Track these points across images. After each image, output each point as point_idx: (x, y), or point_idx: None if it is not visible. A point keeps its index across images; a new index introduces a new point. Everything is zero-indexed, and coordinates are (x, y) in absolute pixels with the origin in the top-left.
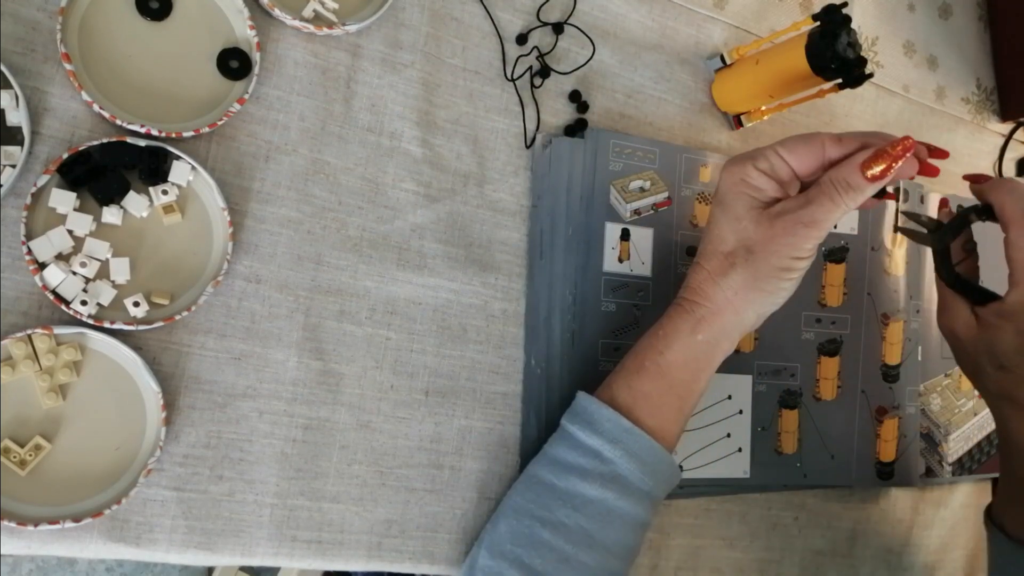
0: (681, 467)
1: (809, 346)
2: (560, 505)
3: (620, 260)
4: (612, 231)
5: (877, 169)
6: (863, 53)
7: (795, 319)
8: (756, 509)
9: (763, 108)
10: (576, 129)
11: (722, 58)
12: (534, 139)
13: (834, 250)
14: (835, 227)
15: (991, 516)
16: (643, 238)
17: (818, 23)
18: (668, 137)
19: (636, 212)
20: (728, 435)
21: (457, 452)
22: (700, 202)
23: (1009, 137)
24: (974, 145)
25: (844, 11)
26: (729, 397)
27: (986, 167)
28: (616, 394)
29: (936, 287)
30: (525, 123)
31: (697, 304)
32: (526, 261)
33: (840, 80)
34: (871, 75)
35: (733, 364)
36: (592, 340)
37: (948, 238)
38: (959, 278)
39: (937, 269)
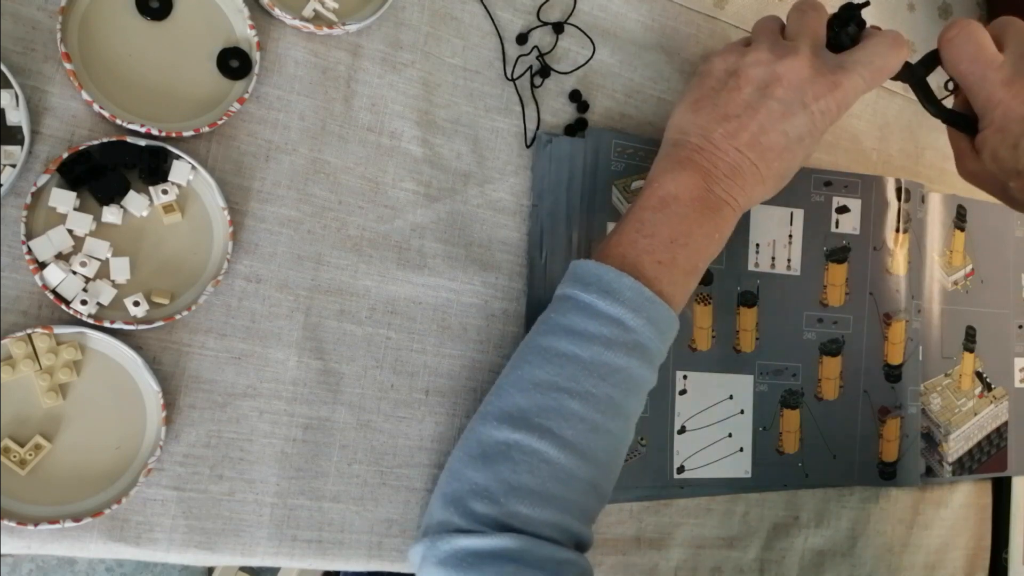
0: (683, 467)
1: (811, 346)
2: (587, 375)
3: None
4: None
5: None
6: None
7: (796, 319)
8: (756, 509)
9: None
10: (576, 128)
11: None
12: (534, 138)
13: (836, 250)
14: (836, 227)
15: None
16: None
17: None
18: None
19: None
20: (729, 435)
21: None
22: None
23: None
24: None
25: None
26: (730, 397)
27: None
28: (668, 290)
29: (950, 141)
30: (525, 123)
31: (743, 209)
32: (526, 261)
33: None
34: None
35: (734, 364)
36: None
37: (920, 71)
38: (945, 109)
39: (925, 106)
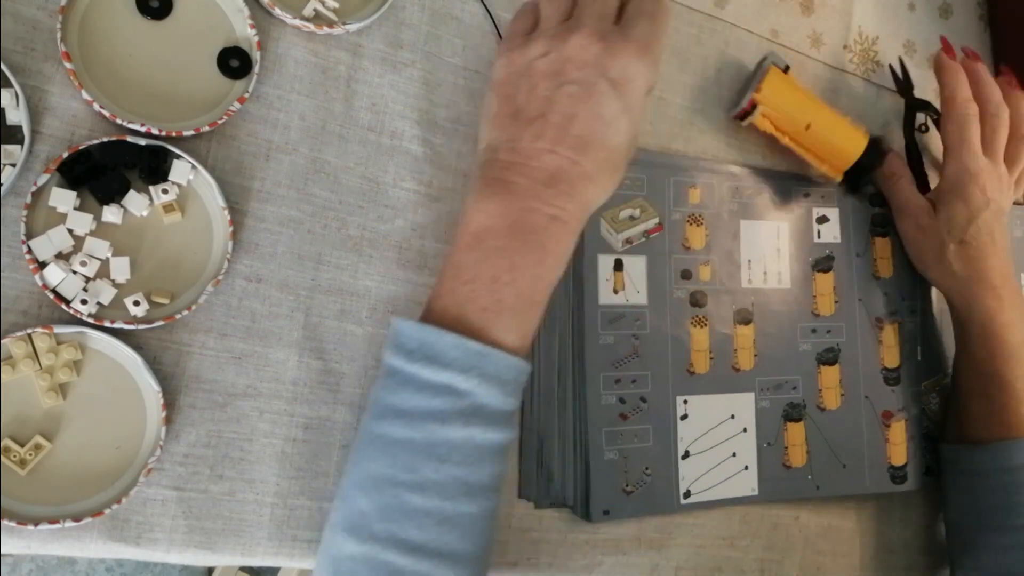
0: (689, 492)
1: (807, 357)
2: (424, 461)
3: (615, 291)
4: (605, 263)
5: None
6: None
7: (791, 331)
8: (756, 509)
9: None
10: None
11: (746, 113)
12: None
13: (820, 260)
14: (819, 237)
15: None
16: (636, 266)
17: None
18: (668, 138)
19: (628, 241)
20: (734, 454)
21: None
22: (691, 224)
23: None
24: None
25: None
26: (732, 417)
27: None
28: (501, 336)
29: (892, 199)
30: None
31: (581, 221)
32: None
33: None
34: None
35: (734, 383)
36: (593, 375)
37: (918, 101)
38: (915, 145)
39: (905, 130)
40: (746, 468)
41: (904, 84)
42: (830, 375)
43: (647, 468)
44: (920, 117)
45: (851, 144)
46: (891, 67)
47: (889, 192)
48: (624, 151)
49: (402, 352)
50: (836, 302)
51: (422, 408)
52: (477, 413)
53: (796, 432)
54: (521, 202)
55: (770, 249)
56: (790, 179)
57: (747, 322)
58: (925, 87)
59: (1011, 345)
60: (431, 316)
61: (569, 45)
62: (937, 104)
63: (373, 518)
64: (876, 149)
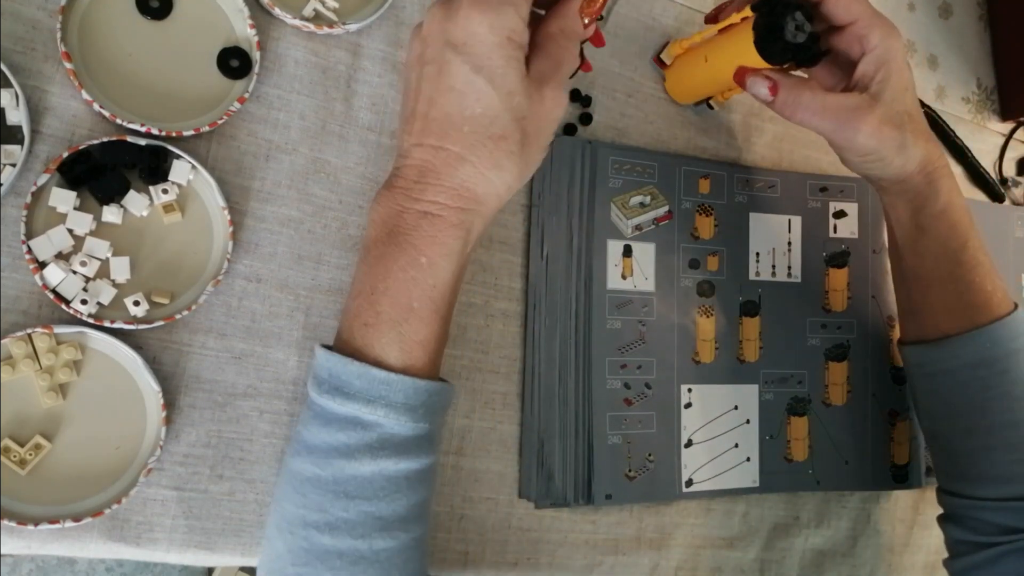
0: (691, 481)
1: (816, 352)
2: (333, 499)
3: (623, 277)
4: (614, 248)
5: (590, 11)
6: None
7: (800, 326)
8: (756, 509)
9: (726, 92)
10: (582, 122)
11: (661, 60)
12: None
13: (835, 255)
14: (835, 232)
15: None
16: (645, 253)
17: (758, 12)
18: (669, 137)
19: (637, 228)
20: (736, 445)
21: (457, 452)
22: (700, 214)
23: (1009, 137)
24: (974, 144)
25: None
26: (736, 407)
27: (986, 166)
28: (383, 353)
29: (815, 115)
30: None
31: (466, 211)
32: (526, 261)
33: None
34: (827, 52)
35: (738, 375)
36: (599, 358)
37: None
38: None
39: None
40: (748, 460)
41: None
42: (838, 371)
43: (650, 454)
44: None
45: (743, 37)
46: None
47: (800, 120)
48: (498, 115)
49: (315, 382)
50: (849, 298)
51: (328, 443)
52: (385, 444)
53: (799, 426)
54: (397, 204)
55: (780, 242)
56: (804, 176)
57: (753, 314)
58: (925, 87)
59: (969, 218)
60: (336, 338)
61: (424, 28)
62: None
63: (287, 561)
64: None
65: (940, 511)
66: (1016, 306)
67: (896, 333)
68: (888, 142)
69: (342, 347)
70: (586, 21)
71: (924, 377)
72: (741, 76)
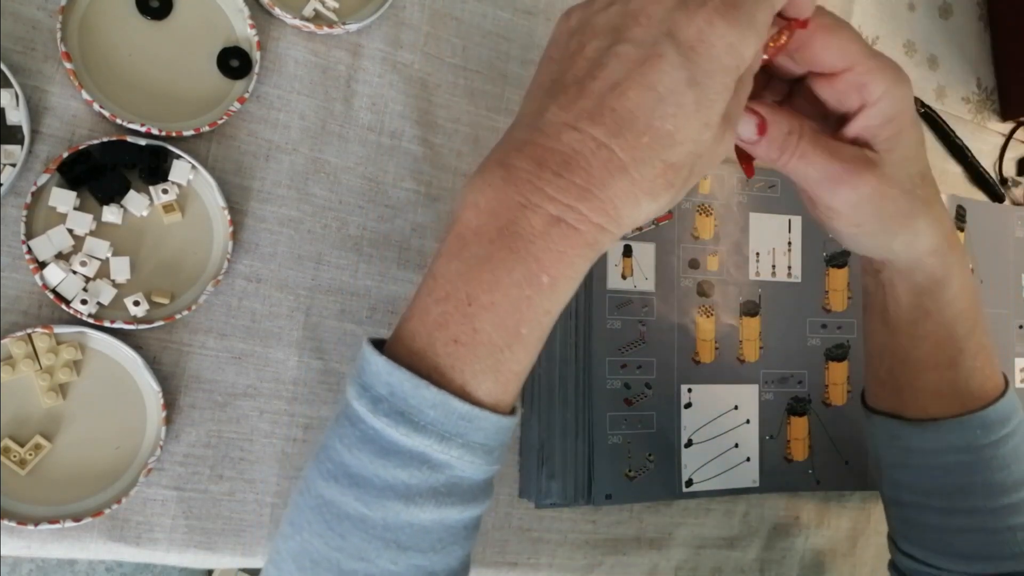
0: (691, 480)
1: (816, 352)
2: (381, 548)
3: (623, 277)
4: (614, 248)
5: (774, 46)
6: None
7: (800, 326)
8: (756, 509)
9: None
10: None
11: None
12: None
13: (835, 255)
14: None
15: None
16: (645, 253)
17: None
18: None
19: (637, 228)
20: (736, 445)
21: None
22: (700, 214)
23: (1009, 137)
24: (974, 145)
25: None
26: (735, 407)
27: (986, 166)
28: (473, 382)
29: (806, 171)
30: None
31: (605, 232)
32: None
33: None
34: None
35: (738, 374)
36: (599, 358)
37: None
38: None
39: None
40: (748, 460)
41: None
42: (838, 371)
43: (650, 454)
44: None
45: None
46: None
47: (789, 167)
48: (684, 143)
49: (367, 396)
50: (849, 298)
51: (383, 479)
52: (454, 490)
53: (799, 426)
54: (519, 194)
55: (780, 242)
56: None
57: (753, 314)
58: (925, 87)
59: (979, 297)
60: (399, 343)
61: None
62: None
63: None
64: None
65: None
66: (1007, 382)
67: None
68: (892, 211)
69: (412, 360)
70: (765, 57)
71: (898, 451)
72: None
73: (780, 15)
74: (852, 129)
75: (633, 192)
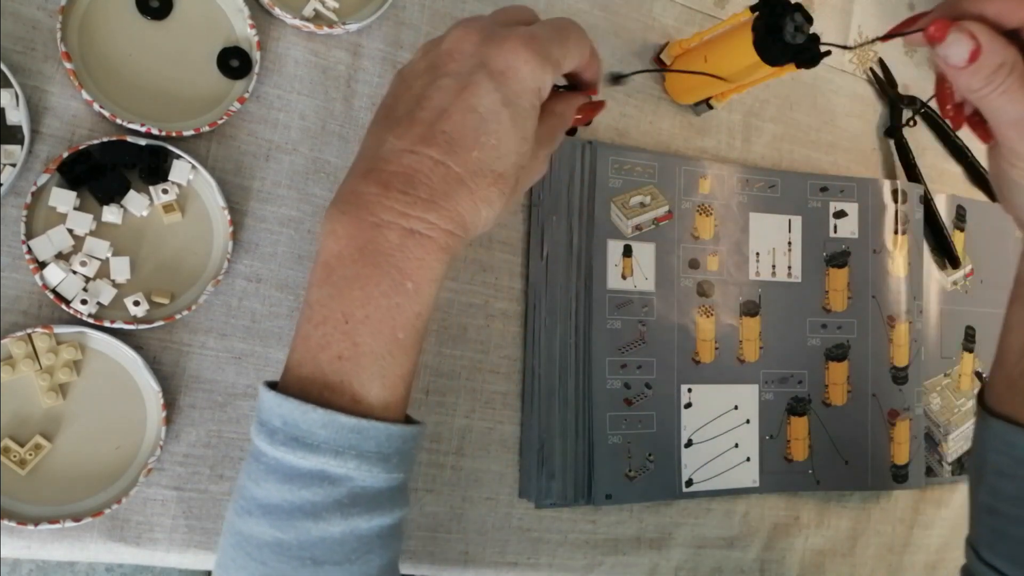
0: (691, 480)
1: (816, 352)
2: (299, 566)
3: (623, 277)
4: (614, 248)
5: (580, 114)
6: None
7: (800, 326)
8: (756, 509)
9: (725, 91)
10: (576, 128)
11: (660, 60)
12: None
13: (836, 255)
14: (835, 232)
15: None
16: (645, 253)
17: (758, 13)
18: (669, 137)
19: (637, 228)
20: (736, 445)
21: (457, 452)
22: (700, 214)
23: None
24: (974, 144)
25: None
26: (735, 407)
27: (986, 166)
28: (362, 391)
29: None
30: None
31: (454, 237)
32: (526, 261)
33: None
34: (828, 53)
35: (738, 374)
36: (599, 358)
37: (902, 98)
38: (904, 141)
39: (891, 126)
40: (748, 459)
41: (886, 82)
42: (838, 371)
43: (650, 454)
44: (906, 113)
45: (742, 37)
46: (871, 70)
47: (990, 100)
48: (508, 155)
49: (264, 431)
50: (849, 298)
51: (290, 502)
52: (357, 500)
53: (799, 426)
54: (371, 215)
55: (780, 242)
56: (804, 176)
57: (753, 314)
58: (925, 86)
59: None
60: (288, 375)
61: (447, 39)
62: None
63: None
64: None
65: (941, 511)
66: None
67: (896, 334)
68: None
69: (303, 385)
70: (578, 116)
71: (1010, 460)
72: (942, 31)
73: (577, 85)
74: None
75: (472, 200)
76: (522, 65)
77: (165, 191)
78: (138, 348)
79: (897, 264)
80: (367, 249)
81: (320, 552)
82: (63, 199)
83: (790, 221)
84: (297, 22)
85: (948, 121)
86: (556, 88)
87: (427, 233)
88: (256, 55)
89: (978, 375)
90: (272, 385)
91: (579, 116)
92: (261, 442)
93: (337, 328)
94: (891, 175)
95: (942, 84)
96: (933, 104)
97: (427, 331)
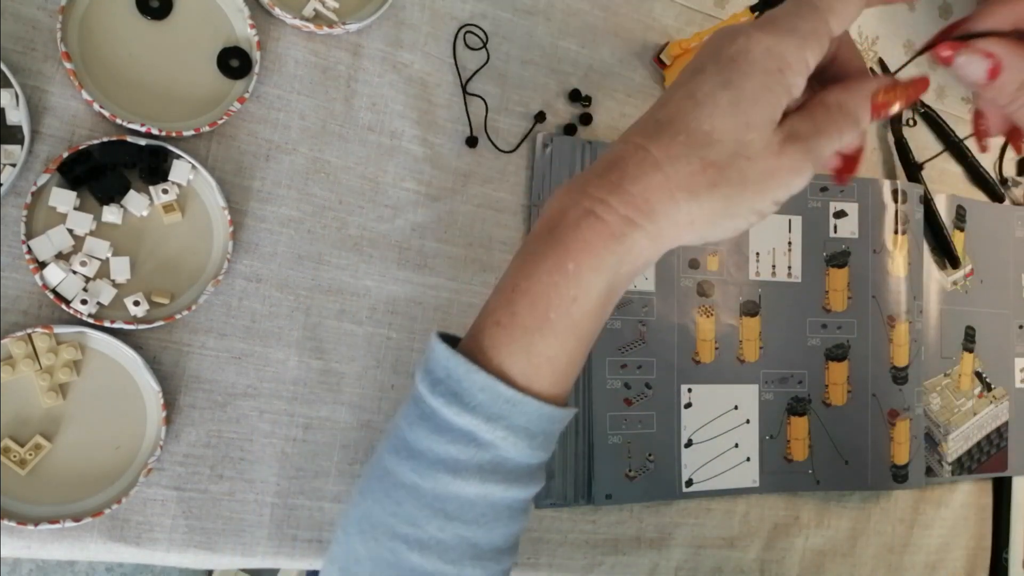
0: (691, 480)
1: (816, 352)
2: (430, 516)
3: None
4: None
5: (886, 103)
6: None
7: (800, 326)
8: (756, 509)
9: None
10: (582, 123)
11: (660, 60)
12: (535, 138)
13: (836, 255)
14: (835, 232)
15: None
16: None
17: (758, 14)
18: None
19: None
20: (736, 445)
21: None
22: None
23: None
24: (974, 144)
25: None
26: (736, 407)
27: (986, 166)
28: (508, 362)
29: None
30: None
31: (633, 224)
32: None
33: None
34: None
35: (738, 374)
36: (599, 358)
37: None
38: (903, 140)
39: (892, 125)
40: (748, 459)
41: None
42: (838, 371)
43: (650, 454)
44: (906, 113)
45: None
46: (871, 70)
47: (1020, 114)
48: (722, 141)
49: (429, 378)
50: (849, 298)
51: (436, 453)
52: (498, 469)
53: (799, 426)
54: (569, 198)
55: (780, 242)
56: None
57: (753, 314)
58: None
59: None
60: (468, 334)
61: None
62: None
63: (367, 569)
64: None
65: (941, 511)
66: None
67: (896, 334)
68: None
69: (469, 344)
70: (876, 111)
71: None
72: (949, 53)
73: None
74: None
75: (667, 187)
76: (753, 46)
77: (165, 191)
78: (138, 348)
79: (897, 264)
80: (551, 225)
81: (452, 508)
82: (63, 199)
83: (790, 221)
84: (297, 22)
85: (976, 137)
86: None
87: (601, 215)
88: (256, 55)
89: (978, 375)
90: (443, 337)
91: (876, 112)
92: (423, 388)
93: (504, 295)
94: (891, 175)
95: (977, 121)
96: (935, 105)
97: (597, 328)
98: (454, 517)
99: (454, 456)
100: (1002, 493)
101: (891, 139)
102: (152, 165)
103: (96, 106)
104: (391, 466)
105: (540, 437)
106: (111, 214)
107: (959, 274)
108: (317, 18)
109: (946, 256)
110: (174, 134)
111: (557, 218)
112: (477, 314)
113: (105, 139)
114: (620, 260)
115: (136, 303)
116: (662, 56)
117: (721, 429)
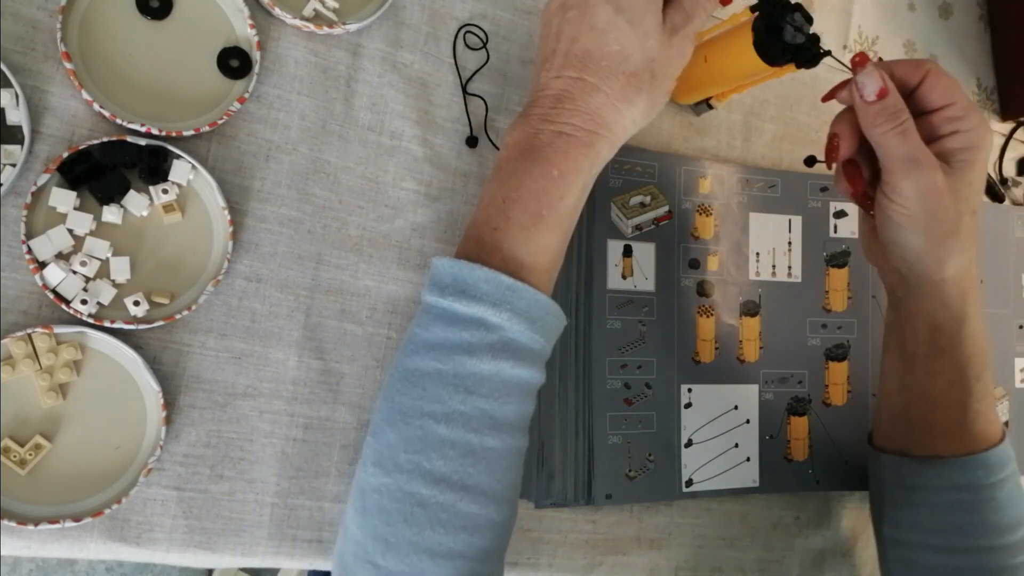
0: (691, 480)
1: (816, 352)
2: (452, 392)
3: (623, 277)
4: (614, 248)
5: None
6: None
7: (800, 326)
8: (756, 509)
9: (725, 91)
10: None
11: None
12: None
13: (836, 255)
14: (835, 232)
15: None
16: (645, 253)
17: (758, 14)
18: (669, 137)
19: (637, 228)
20: (736, 445)
21: None
22: (700, 214)
23: (1009, 137)
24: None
25: None
26: (735, 407)
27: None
28: (509, 252)
29: (893, 147)
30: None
31: (596, 135)
32: None
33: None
34: (828, 53)
35: (738, 374)
36: (599, 358)
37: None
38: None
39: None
40: (748, 459)
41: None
42: (838, 371)
43: (650, 454)
44: None
45: (742, 37)
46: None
47: (887, 136)
48: (633, 54)
49: (436, 288)
50: (849, 298)
51: (452, 340)
52: (506, 348)
53: (799, 426)
54: (531, 127)
55: (780, 242)
56: (804, 176)
57: (754, 314)
58: None
59: (988, 345)
60: (459, 250)
61: None
62: None
63: (399, 449)
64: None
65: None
66: (1003, 430)
67: None
68: (941, 218)
69: (467, 254)
70: None
71: (902, 489)
72: (864, 59)
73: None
74: (939, 147)
75: (609, 101)
76: None
77: (165, 191)
78: (138, 348)
79: None
80: (525, 149)
81: (471, 383)
82: (63, 199)
83: (790, 221)
84: (297, 22)
85: (838, 182)
86: None
87: (571, 133)
88: (256, 55)
89: None
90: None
91: None
92: (432, 297)
93: (495, 207)
94: None
95: (832, 142)
96: None
97: (574, 222)
98: (473, 391)
99: (467, 340)
100: None
101: None
102: (152, 165)
103: (96, 106)
104: (413, 364)
105: (538, 323)
106: (111, 214)
107: None
108: (317, 18)
109: None
110: (174, 134)
111: (527, 143)
112: (463, 234)
113: (105, 139)
114: (592, 163)
115: (136, 303)
116: None
117: (721, 429)
